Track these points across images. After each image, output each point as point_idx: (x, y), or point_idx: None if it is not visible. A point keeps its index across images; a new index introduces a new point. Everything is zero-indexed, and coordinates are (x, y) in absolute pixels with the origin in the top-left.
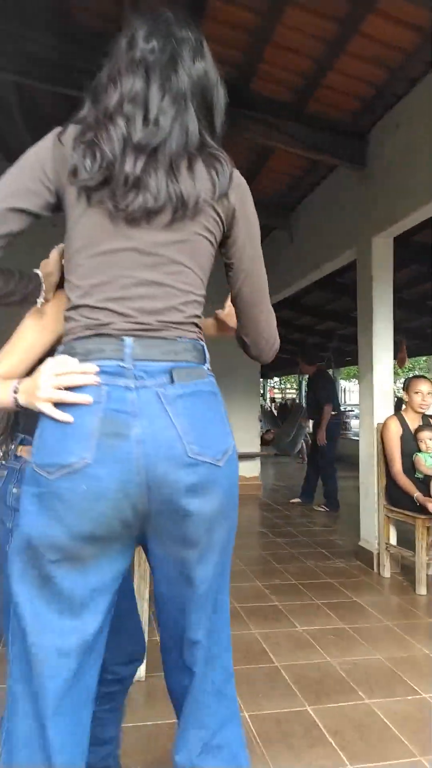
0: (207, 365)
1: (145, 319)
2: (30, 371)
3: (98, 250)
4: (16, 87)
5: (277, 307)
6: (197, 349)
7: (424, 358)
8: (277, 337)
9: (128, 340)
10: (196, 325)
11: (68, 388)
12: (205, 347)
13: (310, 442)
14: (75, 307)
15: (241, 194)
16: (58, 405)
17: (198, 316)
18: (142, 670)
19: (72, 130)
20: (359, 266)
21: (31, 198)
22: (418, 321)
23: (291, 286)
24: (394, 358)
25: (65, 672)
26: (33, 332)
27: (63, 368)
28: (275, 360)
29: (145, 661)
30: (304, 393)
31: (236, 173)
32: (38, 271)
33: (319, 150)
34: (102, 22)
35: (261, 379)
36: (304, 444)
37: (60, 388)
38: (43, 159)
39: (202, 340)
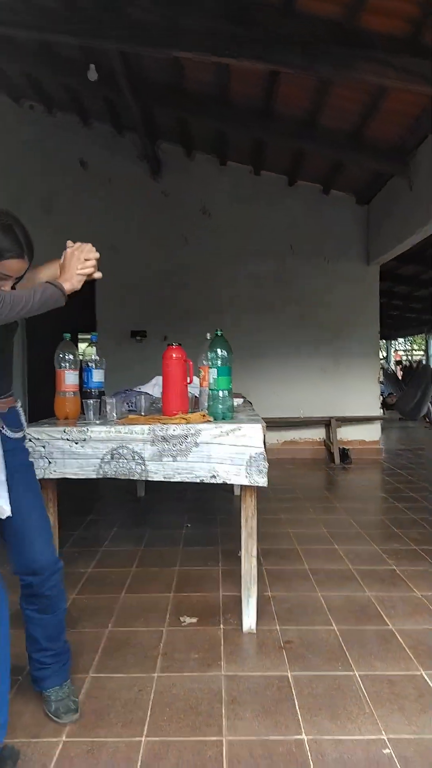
0: None
1: None
2: None
3: None
4: (120, 56)
5: (399, 262)
6: None
7: None
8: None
9: None
10: None
11: None
12: None
13: None
14: None
15: None
16: None
17: None
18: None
19: None
20: None
21: None
22: None
23: (411, 237)
24: None
25: None
26: None
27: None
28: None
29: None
30: None
31: None
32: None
33: None
34: None
35: (383, 341)
36: (431, 407)
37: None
38: None
39: None
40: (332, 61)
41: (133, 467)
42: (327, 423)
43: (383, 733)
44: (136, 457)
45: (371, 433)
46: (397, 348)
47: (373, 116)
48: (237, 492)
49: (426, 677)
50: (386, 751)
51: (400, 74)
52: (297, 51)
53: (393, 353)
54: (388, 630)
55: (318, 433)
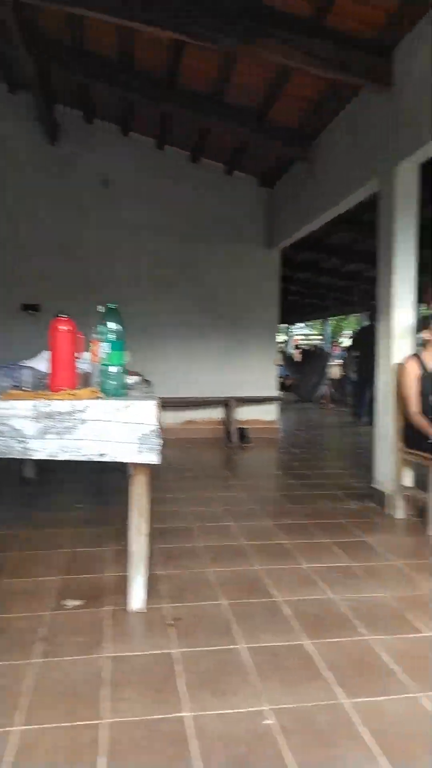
0: None
1: None
2: None
3: None
4: (14, 8)
5: (299, 248)
6: None
7: None
8: None
9: None
10: None
11: None
12: None
13: (333, 388)
14: None
15: None
16: None
17: None
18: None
19: None
20: (381, 196)
21: None
22: None
23: (312, 223)
24: (421, 300)
25: None
26: None
27: None
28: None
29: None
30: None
31: None
32: None
33: (340, 68)
34: None
35: (285, 325)
36: (326, 389)
37: None
38: None
39: None
40: (237, 35)
41: (13, 445)
42: (226, 403)
43: (265, 704)
44: (17, 435)
45: (269, 413)
46: (296, 333)
47: (278, 98)
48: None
49: (310, 646)
50: (267, 721)
51: (303, 56)
52: (202, 21)
53: (292, 338)
54: (274, 602)
55: (217, 414)
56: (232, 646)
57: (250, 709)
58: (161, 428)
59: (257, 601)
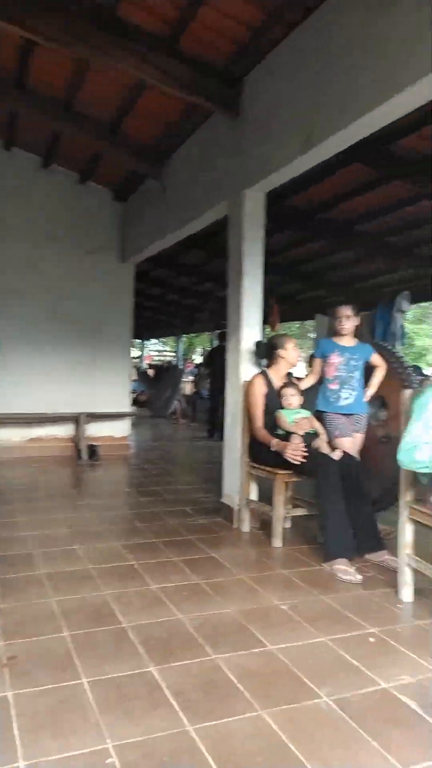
0: None
1: None
2: None
3: None
4: None
5: (152, 264)
6: None
7: (297, 323)
8: None
9: None
10: None
11: None
12: None
13: (185, 404)
14: None
15: None
16: None
17: None
18: None
19: None
20: (230, 221)
21: None
22: (290, 286)
23: (163, 240)
24: (266, 322)
25: None
26: None
27: None
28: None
29: None
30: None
31: None
32: None
33: (193, 91)
34: None
35: (138, 340)
36: (178, 405)
37: None
38: None
39: None
40: (91, 42)
41: None
42: (76, 419)
43: (108, 741)
44: None
45: (121, 429)
46: (150, 349)
47: (132, 112)
48: None
49: (155, 672)
50: (109, 760)
51: (158, 73)
52: (55, 23)
53: (145, 356)
54: (121, 628)
55: (66, 430)
56: (73, 682)
57: (91, 749)
58: None
59: (103, 629)
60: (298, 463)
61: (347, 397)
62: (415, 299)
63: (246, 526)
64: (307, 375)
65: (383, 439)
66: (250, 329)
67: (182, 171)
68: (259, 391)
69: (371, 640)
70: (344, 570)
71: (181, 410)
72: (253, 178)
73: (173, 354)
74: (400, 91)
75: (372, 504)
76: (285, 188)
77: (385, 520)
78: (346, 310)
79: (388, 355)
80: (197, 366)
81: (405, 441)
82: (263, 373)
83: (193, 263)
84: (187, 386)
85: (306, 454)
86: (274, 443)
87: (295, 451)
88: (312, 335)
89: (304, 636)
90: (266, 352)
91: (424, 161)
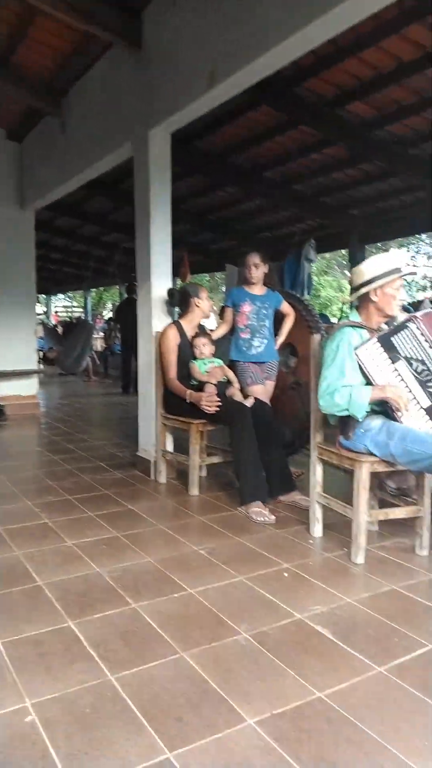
0: None
1: None
2: None
3: None
4: None
5: (56, 212)
6: None
7: (207, 276)
8: None
9: None
10: None
11: None
12: None
13: (96, 359)
14: None
15: None
16: None
17: None
18: None
19: None
20: (136, 163)
21: None
22: (200, 236)
23: (66, 184)
24: (176, 273)
25: None
26: None
27: None
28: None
29: None
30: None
31: None
32: None
33: (90, 19)
34: None
35: (44, 295)
36: (90, 361)
37: None
38: None
39: None
40: None
41: None
42: None
43: (26, 699)
44: None
45: (28, 387)
46: (57, 304)
47: (24, 43)
48: None
49: (74, 627)
50: (28, 718)
51: None
52: None
53: (53, 315)
54: (36, 587)
55: None
56: None
57: (9, 709)
58: None
59: (18, 589)
60: (213, 412)
61: (258, 346)
62: (319, 249)
63: (163, 478)
64: (218, 325)
65: (293, 385)
66: (160, 278)
67: (83, 108)
68: (173, 340)
69: (285, 575)
70: (259, 512)
71: (93, 367)
72: (158, 116)
73: (81, 310)
74: (305, 25)
75: (283, 448)
76: (193, 130)
77: (296, 463)
78: (254, 258)
79: (297, 303)
80: (107, 321)
81: (323, 387)
82: (176, 323)
83: (99, 211)
84: (98, 342)
85: (219, 403)
86: (188, 394)
87: (209, 401)
88: (223, 288)
89: (223, 577)
90: (180, 300)
91: (327, 106)
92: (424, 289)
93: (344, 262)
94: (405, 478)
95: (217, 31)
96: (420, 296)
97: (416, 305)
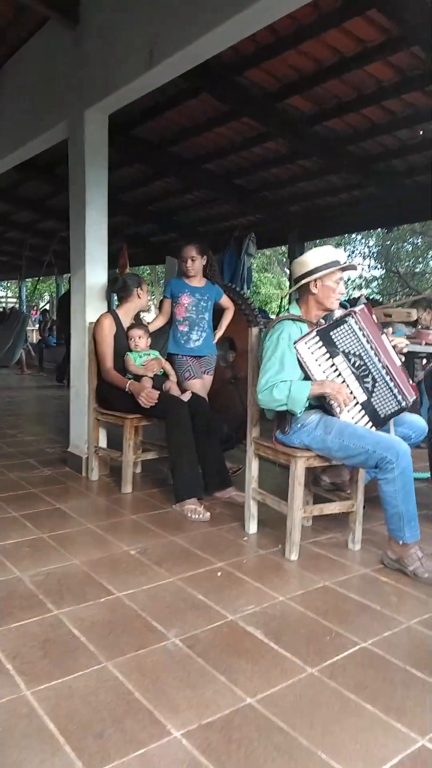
0: None
1: None
2: None
3: None
4: None
5: None
6: None
7: (148, 268)
8: None
9: None
10: None
11: None
12: None
13: (32, 352)
14: None
15: None
16: None
17: None
18: None
19: None
20: (71, 144)
21: None
22: (140, 227)
23: None
24: (114, 265)
25: None
26: None
27: None
28: None
29: None
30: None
31: None
32: None
33: None
34: None
35: None
36: (24, 354)
37: None
38: None
39: None
40: None
41: None
42: None
43: None
44: None
45: None
46: None
47: None
48: None
49: None
50: None
51: None
52: None
53: None
54: None
55: None
56: None
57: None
58: None
59: None
60: (149, 406)
61: (197, 339)
62: (259, 246)
63: (95, 475)
64: (156, 316)
65: (231, 380)
66: (95, 266)
67: (17, 85)
68: (108, 330)
69: (219, 574)
70: (193, 509)
71: (27, 359)
72: (94, 95)
73: (16, 300)
74: (245, 9)
75: (221, 443)
76: (133, 117)
77: (233, 458)
78: (190, 251)
79: (236, 297)
80: (43, 312)
81: (261, 382)
82: (111, 312)
83: (35, 197)
84: (33, 334)
85: (157, 399)
86: (129, 384)
87: (148, 396)
88: (163, 281)
89: (154, 578)
90: (122, 287)
91: (268, 99)
92: (359, 287)
93: (284, 259)
94: (339, 472)
95: (157, 10)
96: (356, 294)
97: (353, 302)
